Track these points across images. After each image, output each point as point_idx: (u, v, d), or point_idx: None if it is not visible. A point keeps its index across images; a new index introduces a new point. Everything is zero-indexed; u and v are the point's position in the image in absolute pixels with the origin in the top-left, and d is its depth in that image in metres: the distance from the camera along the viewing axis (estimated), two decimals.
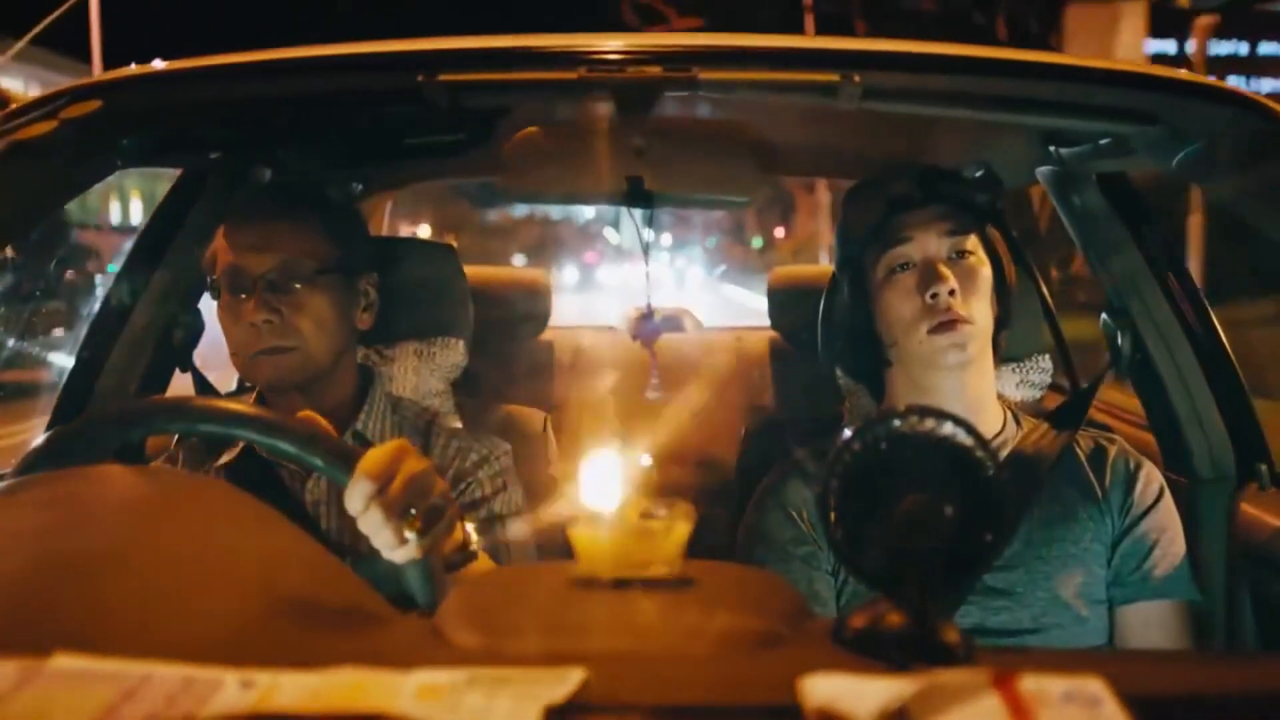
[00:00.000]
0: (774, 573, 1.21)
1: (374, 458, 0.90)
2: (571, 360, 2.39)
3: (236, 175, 1.59)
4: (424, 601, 0.90)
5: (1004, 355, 1.37)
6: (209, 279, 1.25)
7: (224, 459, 1.26)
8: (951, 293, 1.17)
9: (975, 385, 1.22)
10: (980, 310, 1.19)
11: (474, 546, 1.00)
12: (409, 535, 0.88)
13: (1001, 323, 1.25)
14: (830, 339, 1.36)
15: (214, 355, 1.64)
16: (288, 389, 1.24)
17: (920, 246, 1.20)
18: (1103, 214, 1.48)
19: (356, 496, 0.88)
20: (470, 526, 1.01)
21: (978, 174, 1.29)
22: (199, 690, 0.44)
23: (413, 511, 0.89)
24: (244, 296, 1.21)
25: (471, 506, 1.25)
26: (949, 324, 1.17)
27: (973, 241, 1.21)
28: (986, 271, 1.21)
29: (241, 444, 1.25)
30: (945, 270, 1.18)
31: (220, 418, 0.92)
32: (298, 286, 1.21)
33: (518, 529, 1.28)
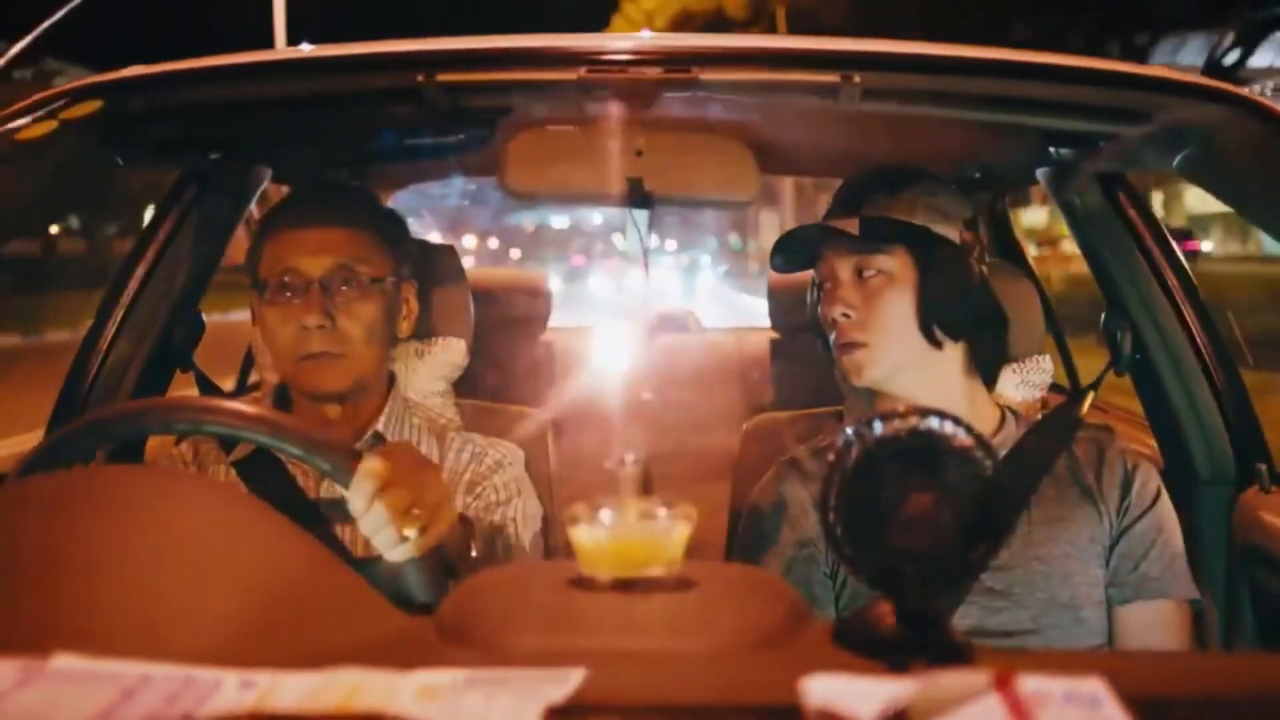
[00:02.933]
0: (773, 573, 1.21)
1: (376, 458, 0.91)
2: (571, 360, 2.39)
3: (236, 176, 1.59)
4: (424, 602, 0.90)
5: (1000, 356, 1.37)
6: (254, 278, 1.24)
7: (235, 457, 1.26)
8: (846, 315, 1.20)
9: (938, 395, 1.22)
10: (887, 328, 1.20)
11: (475, 552, 1.00)
12: (409, 534, 0.89)
13: (928, 323, 1.20)
14: (824, 340, 1.37)
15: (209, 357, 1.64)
16: (332, 397, 1.23)
17: (829, 266, 1.24)
18: (1102, 214, 1.48)
19: (358, 496, 0.89)
20: (472, 530, 1.01)
21: (961, 185, 1.29)
22: (198, 690, 0.44)
23: (414, 511, 0.89)
24: (294, 298, 1.19)
25: (485, 511, 1.25)
26: (845, 346, 1.22)
27: (882, 260, 1.20)
28: (900, 288, 1.20)
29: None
30: (842, 294, 1.22)
31: (226, 418, 0.93)
32: (352, 292, 1.21)
33: (531, 536, 1.28)
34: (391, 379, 1.35)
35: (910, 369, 1.21)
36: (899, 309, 1.20)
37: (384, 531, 0.89)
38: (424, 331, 1.47)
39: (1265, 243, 17.24)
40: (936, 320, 1.20)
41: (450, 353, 1.47)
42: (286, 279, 1.20)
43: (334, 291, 1.20)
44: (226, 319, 1.67)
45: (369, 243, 1.24)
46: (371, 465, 0.90)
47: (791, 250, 1.30)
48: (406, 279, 1.32)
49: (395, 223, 1.36)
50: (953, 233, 1.22)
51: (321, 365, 1.20)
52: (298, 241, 1.21)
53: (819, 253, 1.25)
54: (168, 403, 1.16)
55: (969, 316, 1.22)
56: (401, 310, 1.31)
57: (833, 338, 1.24)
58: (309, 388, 1.22)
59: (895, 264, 1.20)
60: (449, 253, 1.56)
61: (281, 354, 1.22)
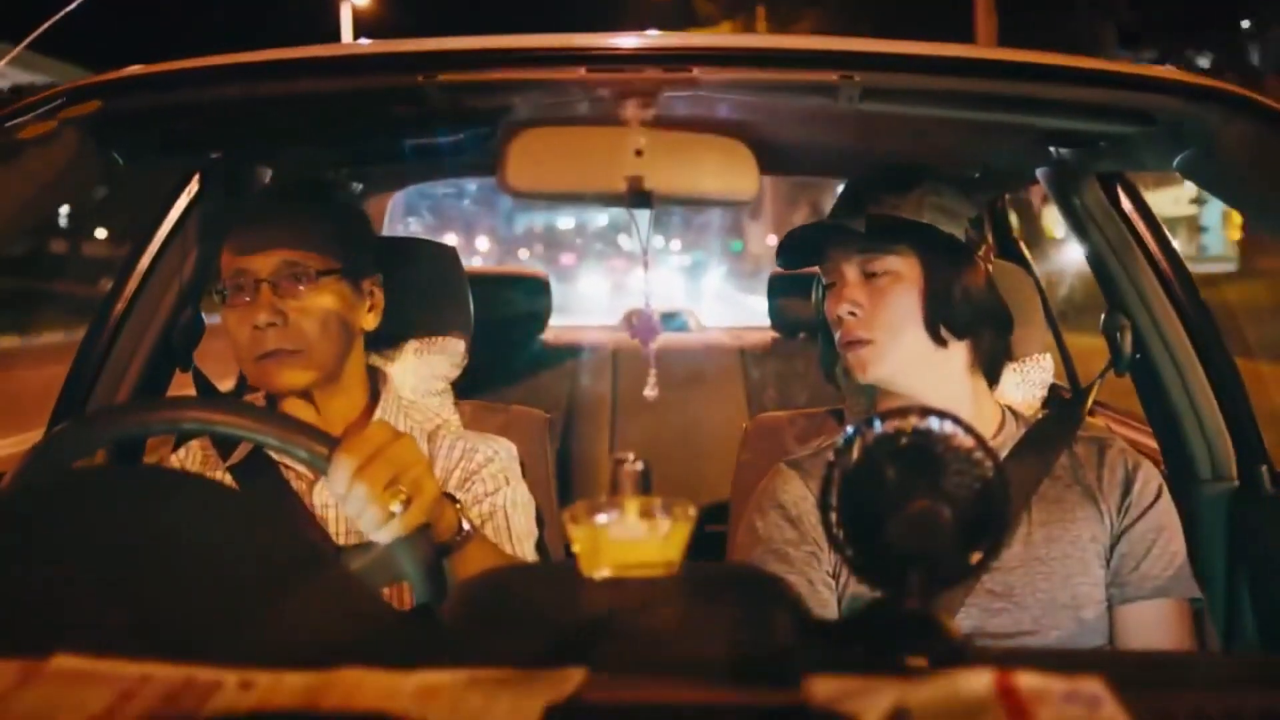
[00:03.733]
0: (774, 572, 1.21)
1: (353, 437, 0.91)
2: (571, 359, 2.39)
3: (236, 175, 1.59)
4: (419, 588, 0.90)
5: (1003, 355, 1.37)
6: (219, 286, 1.24)
7: (232, 460, 1.26)
8: (852, 314, 1.21)
9: (942, 393, 1.22)
10: (893, 327, 1.20)
11: (468, 526, 1.00)
12: (394, 509, 0.88)
13: (934, 322, 1.21)
14: (825, 339, 1.37)
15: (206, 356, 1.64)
16: (295, 393, 1.23)
17: (835, 265, 1.24)
18: (1102, 214, 1.48)
19: (338, 476, 0.89)
20: (461, 505, 1.01)
21: (961, 185, 1.29)
22: (198, 690, 0.44)
23: (395, 486, 0.89)
24: (248, 299, 1.20)
25: (475, 502, 1.26)
26: (852, 344, 1.22)
27: (888, 260, 1.20)
28: (906, 287, 1.20)
29: (250, 446, 1.25)
30: (849, 293, 1.22)
31: (203, 415, 0.93)
32: (301, 288, 1.21)
33: (521, 527, 1.28)
34: (384, 379, 1.35)
35: (915, 367, 1.21)
36: (905, 307, 1.20)
37: (368, 511, 0.89)
38: (423, 331, 1.47)
39: (1208, 246, 18.48)
40: (942, 319, 1.20)
41: (449, 352, 1.47)
42: (239, 281, 1.21)
43: (284, 289, 1.20)
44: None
45: (318, 237, 1.24)
46: (350, 444, 0.90)
47: (798, 248, 1.30)
48: (369, 271, 1.31)
49: (350, 215, 1.36)
50: (959, 232, 1.23)
51: (278, 363, 1.20)
52: (245, 242, 1.22)
53: (825, 251, 1.26)
54: (148, 404, 1.17)
55: (974, 316, 1.22)
56: (364, 303, 1.30)
57: (838, 335, 1.24)
58: (270, 386, 1.23)
59: (901, 263, 1.21)
60: (448, 252, 1.56)
61: (242, 355, 1.23)
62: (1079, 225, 1.52)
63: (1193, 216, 18.35)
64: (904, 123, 1.30)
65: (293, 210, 1.26)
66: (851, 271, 1.22)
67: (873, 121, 1.26)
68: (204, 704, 0.43)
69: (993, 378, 1.29)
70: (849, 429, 0.52)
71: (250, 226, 1.24)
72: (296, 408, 1.24)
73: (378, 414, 1.29)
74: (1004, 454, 1.23)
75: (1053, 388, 1.48)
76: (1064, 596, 1.17)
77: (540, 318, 2.41)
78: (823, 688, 0.43)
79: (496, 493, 1.28)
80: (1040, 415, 1.36)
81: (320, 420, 1.25)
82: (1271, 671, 0.56)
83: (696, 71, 1.04)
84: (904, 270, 1.20)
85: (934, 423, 0.52)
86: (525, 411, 1.58)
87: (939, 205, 1.23)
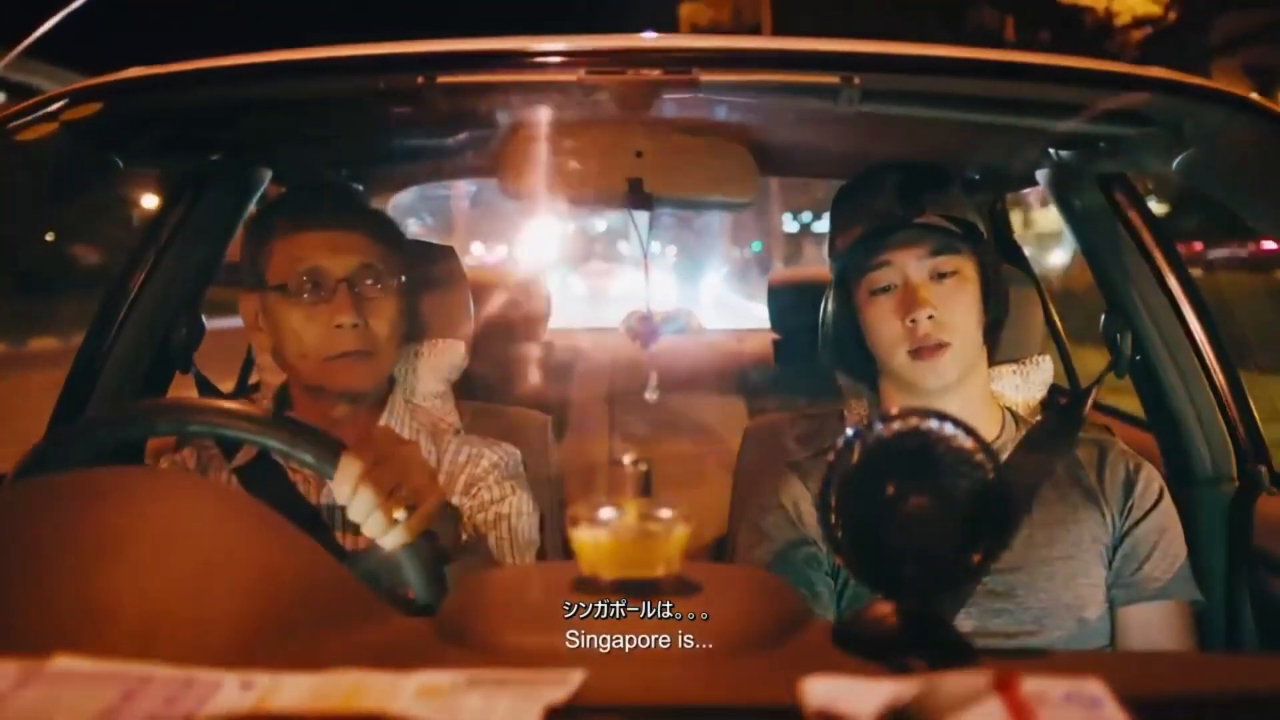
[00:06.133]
0: (774, 573, 1.21)
1: (359, 444, 0.91)
2: (572, 362, 2.39)
3: (237, 176, 1.59)
4: (421, 594, 0.91)
5: (1004, 356, 1.38)
6: (258, 279, 1.23)
7: (237, 462, 1.26)
8: (931, 317, 1.17)
9: (967, 395, 1.23)
10: (964, 328, 1.19)
11: (467, 539, 1.00)
12: (398, 515, 0.89)
13: (993, 327, 1.24)
14: (828, 344, 1.37)
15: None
16: (358, 394, 1.23)
17: (899, 270, 1.20)
18: (1102, 215, 1.48)
19: (344, 481, 0.89)
20: (463, 518, 1.01)
21: (963, 186, 1.29)
22: (199, 691, 0.44)
23: (400, 491, 0.89)
24: (324, 297, 1.20)
25: (481, 509, 1.26)
26: (929, 350, 1.17)
27: (955, 260, 1.20)
28: (970, 288, 1.20)
29: (255, 448, 1.25)
30: (925, 295, 1.18)
31: (209, 417, 0.93)
32: (376, 291, 1.22)
33: (525, 532, 1.28)
34: (391, 382, 1.35)
35: (971, 368, 1.22)
36: (969, 307, 1.20)
37: (373, 516, 0.90)
38: (424, 333, 1.47)
39: None
40: (991, 316, 1.22)
41: (450, 354, 1.47)
42: (316, 279, 1.20)
43: (361, 290, 1.21)
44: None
45: (382, 243, 1.25)
46: (356, 450, 0.90)
47: (859, 256, 1.25)
48: (405, 280, 1.32)
49: (392, 224, 1.37)
50: (983, 228, 1.24)
51: (352, 364, 1.20)
52: (318, 241, 1.21)
53: (879, 255, 1.21)
54: (154, 405, 1.16)
55: (1003, 312, 1.25)
56: (409, 310, 1.32)
57: (903, 342, 1.19)
58: (339, 387, 1.22)
59: (963, 262, 1.21)
60: (449, 254, 1.56)
61: (307, 354, 1.21)
62: (1079, 226, 1.52)
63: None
64: (904, 124, 1.30)
65: (358, 215, 1.27)
66: (920, 274, 1.19)
67: (873, 123, 1.26)
68: (204, 704, 0.43)
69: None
70: (849, 431, 0.52)
71: (319, 225, 1.23)
72: (331, 409, 1.24)
73: (385, 416, 1.29)
74: (1004, 455, 1.23)
75: (1053, 389, 1.48)
76: (1066, 597, 1.17)
77: (541, 319, 2.40)
78: (822, 688, 0.44)
79: (502, 500, 1.28)
80: (1040, 417, 1.36)
81: (345, 421, 1.25)
82: (1271, 671, 0.56)
83: (697, 74, 1.04)
84: (965, 269, 1.20)
85: (934, 424, 0.52)
86: (526, 413, 1.58)
87: (965, 202, 1.25)
